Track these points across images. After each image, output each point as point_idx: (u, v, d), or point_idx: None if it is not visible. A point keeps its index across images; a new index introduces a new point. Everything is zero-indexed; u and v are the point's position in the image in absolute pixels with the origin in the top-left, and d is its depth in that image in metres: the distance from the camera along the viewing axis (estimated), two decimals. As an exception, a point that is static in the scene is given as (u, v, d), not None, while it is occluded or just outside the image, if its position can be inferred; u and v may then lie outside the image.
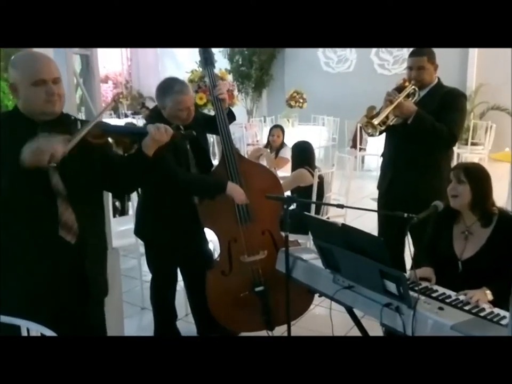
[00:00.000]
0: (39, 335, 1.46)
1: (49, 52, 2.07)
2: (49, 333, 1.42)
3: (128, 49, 13.53)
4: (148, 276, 3.61)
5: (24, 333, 1.50)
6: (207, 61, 2.65)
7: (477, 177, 2.13)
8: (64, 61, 2.18)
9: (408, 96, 2.70)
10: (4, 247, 1.67)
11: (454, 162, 7.37)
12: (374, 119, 2.59)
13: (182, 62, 11.88)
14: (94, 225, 1.82)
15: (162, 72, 12.92)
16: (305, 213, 2.30)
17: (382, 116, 2.59)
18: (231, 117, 2.73)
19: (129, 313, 3.26)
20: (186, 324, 3.09)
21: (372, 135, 2.68)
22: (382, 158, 3.05)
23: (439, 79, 2.83)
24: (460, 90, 2.88)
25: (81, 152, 1.62)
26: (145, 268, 3.53)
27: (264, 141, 7.67)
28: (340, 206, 2.15)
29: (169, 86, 2.42)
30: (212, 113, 2.83)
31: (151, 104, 11.73)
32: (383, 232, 2.97)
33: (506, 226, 2.09)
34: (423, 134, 2.66)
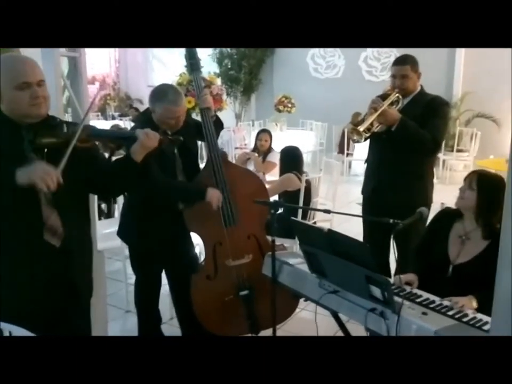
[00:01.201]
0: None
1: (37, 53, 2.06)
2: (28, 334, 1.41)
3: (117, 50, 13.46)
4: (133, 279, 3.59)
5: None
6: (193, 67, 2.64)
7: (487, 188, 2.12)
8: (51, 62, 2.16)
9: (392, 103, 2.74)
10: None
11: (438, 168, 7.47)
12: (359, 126, 2.62)
13: (170, 64, 11.87)
14: (80, 228, 1.80)
15: (151, 74, 12.88)
16: (292, 217, 2.30)
17: (367, 123, 2.62)
18: (219, 126, 2.73)
19: (114, 316, 3.23)
20: (171, 328, 3.08)
21: (357, 142, 2.71)
22: (366, 163, 3.08)
23: (422, 87, 2.88)
24: (443, 98, 2.92)
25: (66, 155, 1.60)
26: (130, 270, 3.50)
27: (252, 145, 7.70)
28: (327, 212, 2.17)
29: (164, 93, 2.39)
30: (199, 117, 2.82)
31: (139, 106, 11.71)
32: (367, 237, 3.01)
33: None
34: (407, 141, 2.70)
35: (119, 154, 2.76)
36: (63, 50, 2.25)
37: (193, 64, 2.63)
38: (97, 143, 1.84)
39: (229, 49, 11.11)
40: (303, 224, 2.49)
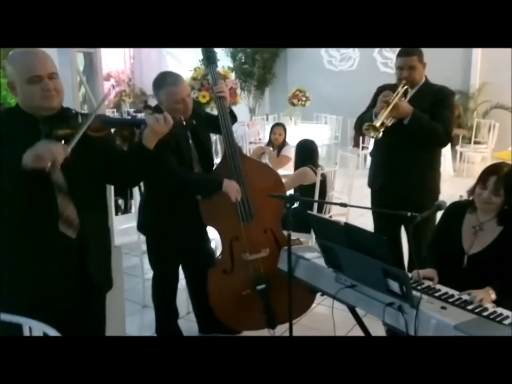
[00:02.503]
0: (41, 333, 1.46)
1: (53, 49, 2.07)
2: (51, 330, 1.42)
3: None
4: (150, 274, 3.61)
5: (26, 331, 1.50)
6: (210, 60, 2.65)
7: None
8: (67, 58, 2.18)
9: (400, 95, 2.70)
10: (5, 243, 1.67)
11: (449, 159, 7.33)
12: (375, 122, 2.59)
13: (185, 59, 11.87)
14: (97, 220, 1.82)
15: (166, 69, 12.94)
16: (309, 211, 2.29)
17: (381, 118, 2.59)
18: (232, 118, 2.72)
19: (131, 311, 3.26)
20: (187, 322, 3.10)
21: (375, 137, 2.67)
22: (371, 157, 3.05)
23: (426, 77, 2.85)
24: (449, 88, 2.89)
25: (81, 146, 1.62)
26: (147, 265, 3.53)
27: (267, 139, 7.68)
28: (343, 205, 2.15)
29: (161, 79, 2.43)
30: (215, 112, 2.82)
31: (153, 103, 11.76)
32: (378, 231, 2.98)
33: None
34: (420, 134, 2.69)
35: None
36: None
37: (209, 58, 2.64)
38: (112, 131, 1.85)
39: (242, 43, 11.07)
40: (320, 218, 2.48)
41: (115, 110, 12.07)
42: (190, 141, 2.50)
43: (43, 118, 1.65)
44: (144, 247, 3.42)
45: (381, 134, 2.62)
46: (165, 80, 2.41)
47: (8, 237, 1.66)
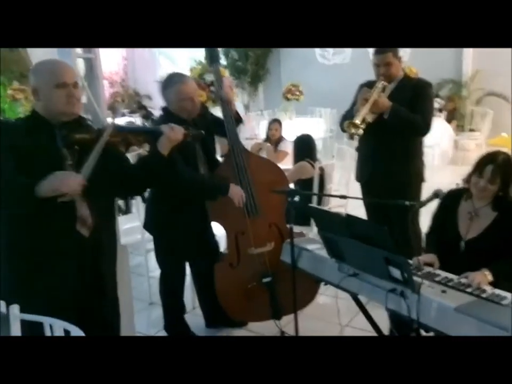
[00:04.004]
0: (62, 331, 1.52)
1: (54, 55, 2.13)
2: (72, 328, 1.48)
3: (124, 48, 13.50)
4: (154, 272, 3.68)
5: (47, 330, 1.56)
6: (213, 58, 2.69)
7: (510, 178, 2.14)
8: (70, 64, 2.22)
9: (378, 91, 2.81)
10: (22, 244, 1.74)
11: (450, 147, 7.39)
12: (354, 119, 2.70)
13: (178, 59, 11.91)
14: (107, 221, 1.89)
15: (158, 70, 12.93)
16: (309, 204, 2.36)
17: (361, 115, 2.71)
18: (238, 120, 2.78)
19: (138, 308, 3.32)
20: (194, 317, 3.16)
21: (355, 134, 2.78)
22: (357, 151, 3.18)
23: (404, 71, 2.99)
24: (427, 80, 3.02)
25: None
26: (151, 264, 3.60)
27: (262, 135, 7.73)
28: (343, 197, 2.22)
29: (168, 79, 2.50)
30: (213, 111, 2.89)
31: (148, 103, 11.77)
32: (371, 220, 3.08)
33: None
34: (400, 126, 2.81)
35: (133, 151, 2.85)
36: (79, 51, 2.32)
37: (213, 56, 2.69)
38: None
39: (234, 40, 11.10)
40: (322, 210, 2.55)
41: (111, 112, 12.09)
42: (197, 143, 2.56)
43: (60, 123, 1.75)
44: (148, 245, 3.49)
45: (361, 131, 2.72)
46: (172, 79, 2.49)
47: (25, 237, 1.72)
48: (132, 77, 13.74)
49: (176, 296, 2.84)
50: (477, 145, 8.00)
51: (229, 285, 2.68)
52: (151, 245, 3.45)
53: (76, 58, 2.29)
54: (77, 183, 1.63)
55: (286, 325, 2.83)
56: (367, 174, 3.04)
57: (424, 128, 2.86)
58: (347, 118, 2.87)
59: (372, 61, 2.94)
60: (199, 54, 7.41)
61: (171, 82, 2.47)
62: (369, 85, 2.89)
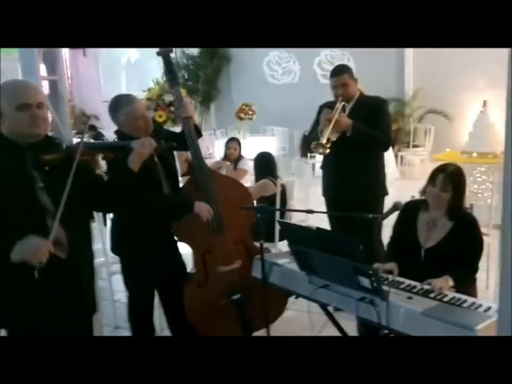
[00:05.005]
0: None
1: (19, 77, 2.11)
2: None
3: (68, 68, 13.25)
4: (118, 295, 3.62)
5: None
6: (172, 82, 2.73)
7: (460, 187, 2.32)
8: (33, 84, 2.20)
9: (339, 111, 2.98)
10: None
11: (393, 164, 7.76)
12: (321, 140, 2.87)
13: (123, 78, 11.86)
14: (83, 241, 1.87)
15: (105, 88, 12.76)
16: (279, 220, 2.43)
17: (325, 135, 2.88)
18: (198, 133, 2.81)
19: (104, 332, 3.25)
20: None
21: (323, 153, 2.97)
22: (322, 169, 3.37)
23: (360, 90, 3.19)
24: (382, 98, 3.24)
25: (67, 171, 1.69)
26: (115, 287, 3.54)
27: (217, 154, 7.78)
28: (310, 212, 2.31)
29: (116, 102, 2.48)
30: (174, 129, 2.91)
31: (96, 123, 11.56)
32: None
33: (466, 221, 2.33)
34: (362, 142, 2.99)
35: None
36: (43, 73, 2.30)
37: (172, 79, 2.72)
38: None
39: (184, 60, 11.17)
40: (292, 225, 2.63)
41: (54, 132, 11.76)
42: (156, 159, 2.55)
43: (28, 145, 1.72)
44: (112, 268, 3.44)
45: (328, 150, 2.89)
46: (120, 101, 2.47)
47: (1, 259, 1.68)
48: (78, 96, 13.48)
49: (145, 318, 2.80)
50: (421, 160, 8.44)
51: (198, 304, 2.68)
52: (115, 267, 3.41)
53: (41, 80, 2.27)
54: (46, 252, 1.62)
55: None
56: (333, 190, 3.20)
57: (386, 142, 3.06)
58: (311, 138, 3.04)
59: (329, 83, 3.10)
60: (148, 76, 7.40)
61: (120, 104, 2.45)
62: (329, 105, 3.06)
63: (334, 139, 2.93)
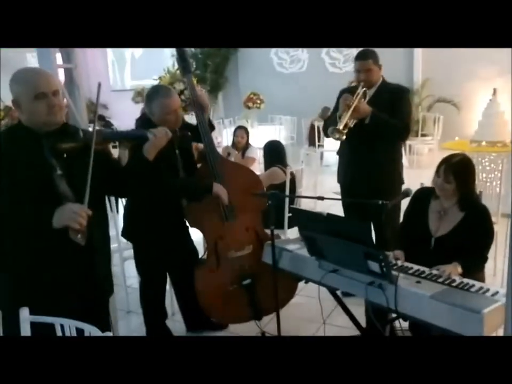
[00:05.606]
0: (74, 330, 1.56)
1: (35, 65, 2.14)
2: (81, 325, 1.54)
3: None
4: (130, 280, 3.69)
5: (58, 330, 1.59)
6: (186, 70, 2.77)
7: (464, 177, 2.31)
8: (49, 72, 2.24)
9: (359, 97, 2.93)
10: (16, 254, 1.75)
11: (405, 153, 7.77)
12: (338, 125, 2.82)
13: (133, 68, 11.87)
14: (101, 227, 1.92)
15: (113, 79, 12.79)
16: (291, 206, 2.47)
17: (344, 120, 2.83)
18: (211, 127, 2.86)
19: (117, 317, 3.32)
20: (173, 323, 3.20)
21: (340, 139, 2.91)
22: (338, 155, 3.32)
23: (383, 77, 3.13)
24: (404, 86, 3.18)
25: (85, 158, 1.73)
26: (127, 273, 3.61)
27: (225, 142, 7.81)
28: (321, 198, 2.34)
29: (154, 92, 2.55)
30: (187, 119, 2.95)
31: (104, 112, 11.61)
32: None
33: (478, 212, 2.33)
34: (380, 131, 2.94)
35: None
36: (59, 62, 2.34)
37: (185, 67, 2.76)
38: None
39: (193, 49, 11.17)
40: (303, 211, 2.67)
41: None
42: (176, 150, 2.61)
43: (46, 133, 1.75)
44: (125, 254, 3.51)
45: (344, 137, 2.85)
46: (158, 92, 2.53)
47: (19, 248, 1.74)
48: (86, 86, 13.52)
49: (157, 303, 2.87)
50: (430, 149, 8.41)
51: (209, 289, 2.74)
52: (127, 253, 3.48)
53: (57, 68, 2.31)
54: (85, 215, 1.66)
55: (266, 325, 2.93)
56: (349, 177, 3.17)
57: (404, 132, 3.01)
58: (328, 123, 3.00)
59: (353, 67, 3.08)
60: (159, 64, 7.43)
61: (157, 95, 2.51)
62: (350, 90, 3.02)
63: (352, 125, 2.88)
